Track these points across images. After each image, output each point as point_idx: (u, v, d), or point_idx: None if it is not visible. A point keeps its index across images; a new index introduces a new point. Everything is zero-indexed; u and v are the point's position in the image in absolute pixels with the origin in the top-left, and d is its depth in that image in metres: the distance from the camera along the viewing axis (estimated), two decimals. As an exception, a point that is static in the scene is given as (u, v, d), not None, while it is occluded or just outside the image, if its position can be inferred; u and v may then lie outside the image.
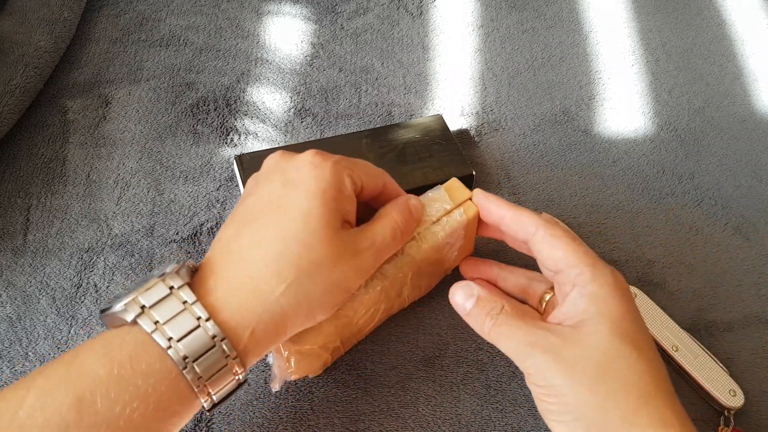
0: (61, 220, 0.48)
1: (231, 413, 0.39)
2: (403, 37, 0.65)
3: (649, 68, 0.64)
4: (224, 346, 0.28)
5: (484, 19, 0.68)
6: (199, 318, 0.28)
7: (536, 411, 0.40)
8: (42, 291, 0.44)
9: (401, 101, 0.59)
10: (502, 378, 0.42)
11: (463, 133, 0.56)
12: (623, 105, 0.60)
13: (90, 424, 0.25)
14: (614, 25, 0.68)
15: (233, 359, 0.29)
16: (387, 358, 0.42)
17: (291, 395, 0.40)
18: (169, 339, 0.27)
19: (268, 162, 0.35)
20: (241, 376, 0.30)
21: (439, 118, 0.54)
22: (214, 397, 0.29)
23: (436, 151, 0.51)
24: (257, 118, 0.56)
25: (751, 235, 0.51)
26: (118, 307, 0.28)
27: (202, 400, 0.29)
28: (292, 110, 0.57)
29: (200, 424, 0.38)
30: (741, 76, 0.64)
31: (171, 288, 0.29)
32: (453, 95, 0.60)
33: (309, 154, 0.33)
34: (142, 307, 0.28)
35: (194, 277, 0.30)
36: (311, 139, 0.54)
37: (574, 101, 0.60)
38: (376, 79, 0.61)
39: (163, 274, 0.29)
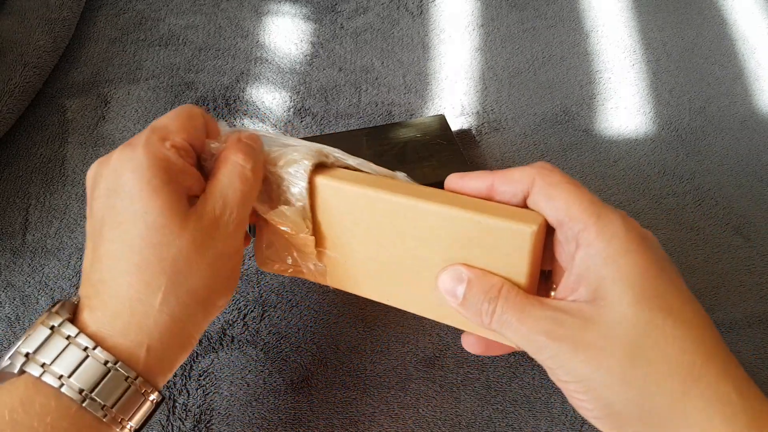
0: (60, 220, 0.48)
1: (230, 414, 0.39)
2: (404, 37, 0.65)
3: (649, 68, 0.64)
4: (120, 369, 0.27)
5: (484, 19, 0.67)
6: (86, 348, 0.27)
7: (536, 411, 0.40)
8: (41, 291, 0.44)
9: (401, 101, 0.59)
10: (503, 378, 0.41)
11: (463, 133, 0.56)
12: (624, 104, 0.60)
13: None
14: (615, 24, 0.68)
15: (135, 380, 0.27)
16: (387, 358, 0.42)
17: (290, 396, 0.40)
18: (60, 377, 0.26)
19: (88, 177, 0.31)
20: (154, 396, 0.28)
21: (441, 118, 0.53)
22: (131, 423, 0.28)
23: (436, 150, 0.51)
24: (257, 117, 0.56)
25: (752, 236, 0.51)
26: (3, 363, 0.27)
27: (117, 430, 0.28)
28: (292, 110, 0.57)
29: (200, 425, 0.38)
30: (742, 75, 0.64)
31: (52, 327, 0.27)
32: (453, 95, 0.59)
33: (117, 151, 0.29)
34: (26, 354, 0.27)
35: (75, 312, 0.29)
36: (310, 137, 0.54)
37: (574, 101, 0.60)
38: (376, 78, 0.60)
39: (42, 317, 0.28)
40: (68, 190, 0.49)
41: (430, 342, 0.43)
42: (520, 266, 0.29)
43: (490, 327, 0.28)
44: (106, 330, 0.27)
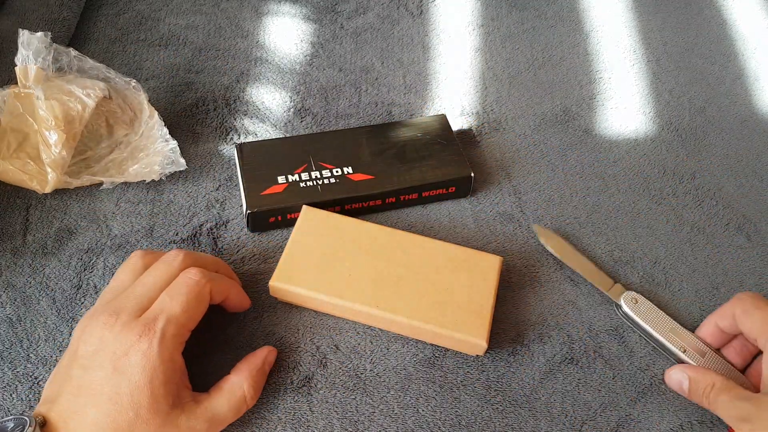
0: (61, 220, 0.48)
1: (230, 414, 0.39)
2: (403, 37, 0.65)
3: (650, 68, 0.64)
4: None
5: (484, 19, 0.67)
6: None
7: (536, 411, 0.40)
8: (42, 292, 0.44)
9: (401, 101, 0.58)
10: (503, 378, 0.41)
11: (463, 133, 0.56)
12: (624, 105, 0.60)
13: None
14: (615, 24, 0.68)
15: None
16: (387, 359, 0.42)
17: (290, 396, 0.40)
18: None
19: (95, 330, 0.34)
20: None
21: (442, 118, 0.53)
22: None
23: (436, 150, 0.51)
24: (257, 117, 0.56)
25: (752, 235, 0.51)
26: None
27: None
28: (292, 110, 0.57)
29: (200, 425, 0.38)
30: (742, 75, 0.64)
31: None
32: (453, 95, 0.59)
33: (134, 332, 0.34)
34: None
35: None
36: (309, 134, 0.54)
37: (574, 101, 0.60)
38: (376, 78, 0.60)
39: None
40: (68, 191, 0.49)
41: (430, 342, 0.43)
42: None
43: (710, 408, 0.38)
44: None
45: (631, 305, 0.44)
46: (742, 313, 0.39)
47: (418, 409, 0.40)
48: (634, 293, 0.45)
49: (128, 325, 0.34)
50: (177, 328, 0.35)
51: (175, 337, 0.34)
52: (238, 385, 0.37)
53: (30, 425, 0.31)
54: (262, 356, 0.39)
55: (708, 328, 0.42)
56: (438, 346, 0.43)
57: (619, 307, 0.45)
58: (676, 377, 0.40)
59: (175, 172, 0.49)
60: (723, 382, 0.37)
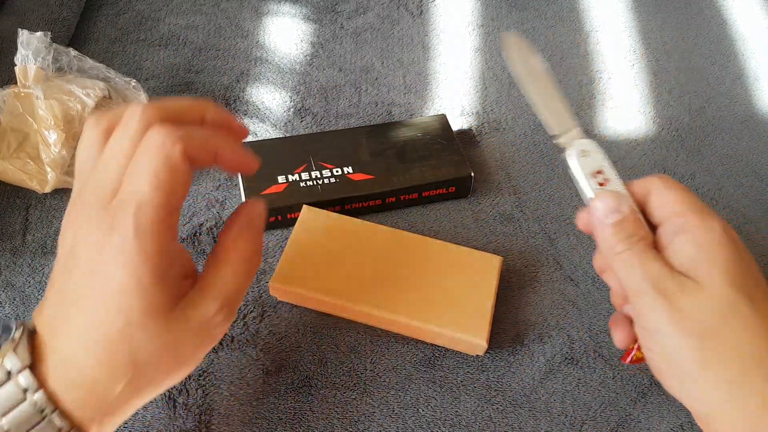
0: (60, 220, 0.47)
1: (230, 414, 0.39)
2: (403, 37, 0.65)
3: (649, 68, 0.64)
4: (56, 418, 0.26)
5: (484, 19, 0.67)
6: (36, 405, 0.26)
7: (536, 412, 0.40)
8: (41, 291, 0.44)
9: (401, 101, 0.58)
10: (503, 378, 0.41)
11: (463, 133, 0.56)
12: (624, 105, 0.60)
13: None
14: (615, 24, 0.68)
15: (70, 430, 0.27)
16: (387, 358, 0.42)
17: (290, 396, 0.40)
18: None
19: (63, 231, 0.29)
20: None
21: (442, 118, 0.53)
22: None
23: (436, 150, 0.51)
24: (257, 117, 0.56)
25: (752, 235, 0.51)
26: None
27: None
28: (292, 110, 0.57)
29: (200, 425, 0.38)
30: (742, 75, 0.64)
31: (8, 373, 0.26)
32: (453, 95, 0.59)
33: (103, 227, 0.26)
34: None
35: (33, 349, 0.27)
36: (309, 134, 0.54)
37: (574, 101, 0.60)
38: (376, 78, 0.60)
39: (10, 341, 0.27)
40: (68, 190, 0.49)
41: (431, 342, 0.43)
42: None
43: (613, 259, 0.31)
44: (60, 395, 0.27)
45: (576, 157, 0.34)
46: (651, 192, 0.32)
47: (418, 409, 0.40)
48: (589, 142, 0.34)
49: (96, 219, 0.27)
50: (153, 211, 0.26)
51: (154, 223, 0.26)
52: (233, 247, 0.30)
53: (17, 329, 0.27)
54: (245, 212, 0.31)
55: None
56: (438, 346, 0.43)
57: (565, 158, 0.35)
58: (610, 202, 0.32)
59: (175, 171, 0.49)
60: (653, 245, 0.31)
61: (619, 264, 0.31)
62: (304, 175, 0.48)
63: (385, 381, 0.41)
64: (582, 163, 0.34)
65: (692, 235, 0.29)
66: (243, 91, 0.58)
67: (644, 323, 0.30)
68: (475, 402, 0.40)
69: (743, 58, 0.65)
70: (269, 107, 0.57)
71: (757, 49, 0.66)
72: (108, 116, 0.29)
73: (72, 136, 0.46)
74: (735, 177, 0.55)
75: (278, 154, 0.49)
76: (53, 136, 0.45)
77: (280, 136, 0.55)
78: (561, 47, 0.65)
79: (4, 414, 0.26)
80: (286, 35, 0.64)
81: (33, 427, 0.26)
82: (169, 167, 0.27)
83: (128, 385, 0.27)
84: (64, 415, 0.27)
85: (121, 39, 0.61)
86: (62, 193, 0.49)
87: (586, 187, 0.33)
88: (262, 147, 0.50)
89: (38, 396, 0.26)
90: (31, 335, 0.28)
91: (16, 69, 0.46)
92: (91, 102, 0.46)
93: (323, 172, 0.48)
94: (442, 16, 0.67)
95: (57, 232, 0.47)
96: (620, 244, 0.30)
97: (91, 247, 0.27)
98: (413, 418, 0.39)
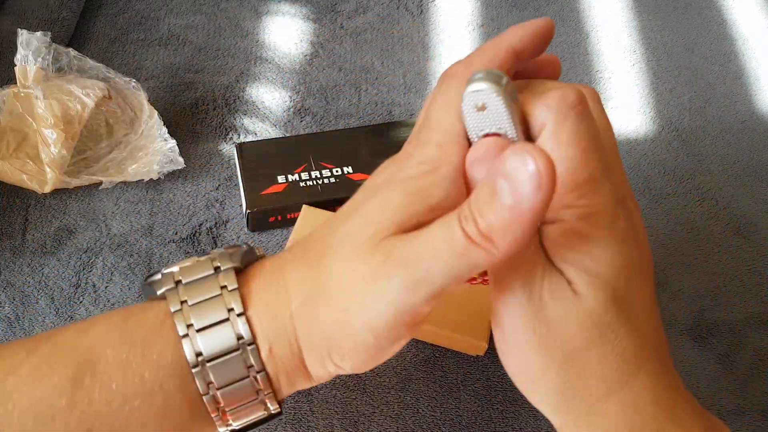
0: (60, 220, 0.47)
1: (230, 414, 0.39)
2: (403, 36, 0.65)
3: (650, 67, 0.64)
4: (250, 353, 0.24)
5: (484, 18, 0.67)
6: (231, 310, 0.24)
7: (536, 411, 0.40)
8: (41, 291, 0.44)
9: (401, 101, 0.58)
10: (503, 378, 0.41)
11: (463, 133, 0.56)
12: (624, 104, 0.60)
13: (80, 417, 0.22)
14: (615, 24, 0.68)
15: (257, 374, 0.24)
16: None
17: (290, 396, 0.40)
18: (189, 326, 0.23)
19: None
20: (271, 404, 0.25)
21: (440, 118, 0.53)
22: (231, 421, 0.25)
23: (436, 150, 0.51)
24: (256, 117, 0.56)
25: (752, 236, 0.51)
26: (157, 276, 0.25)
27: (214, 417, 0.24)
28: (292, 109, 0.57)
29: (199, 425, 0.38)
30: (742, 75, 0.64)
31: (216, 269, 0.24)
32: (453, 95, 0.59)
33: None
34: (177, 282, 0.24)
35: (250, 266, 0.25)
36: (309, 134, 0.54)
37: (574, 101, 0.60)
38: (376, 78, 0.60)
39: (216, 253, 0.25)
40: (68, 189, 0.49)
41: (431, 342, 0.43)
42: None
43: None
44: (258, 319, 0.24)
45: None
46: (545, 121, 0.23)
47: (418, 409, 0.40)
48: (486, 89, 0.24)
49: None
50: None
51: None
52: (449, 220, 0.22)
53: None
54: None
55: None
56: (438, 346, 0.42)
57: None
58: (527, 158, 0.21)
59: (175, 171, 0.49)
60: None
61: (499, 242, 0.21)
62: (304, 175, 0.48)
63: (385, 381, 0.41)
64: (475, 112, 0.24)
65: (575, 220, 0.23)
66: (243, 91, 0.58)
67: (500, 320, 0.25)
68: (475, 402, 0.40)
69: (743, 58, 0.65)
70: (269, 107, 0.57)
71: (757, 49, 0.66)
72: None
73: (72, 136, 0.46)
74: (735, 177, 0.55)
75: (278, 154, 0.49)
76: (53, 136, 0.45)
77: (280, 136, 0.55)
78: (561, 47, 0.65)
79: (201, 330, 0.23)
80: (286, 35, 0.64)
81: (224, 356, 0.24)
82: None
83: (302, 306, 0.24)
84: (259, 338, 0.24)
85: (120, 39, 0.61)
86: (61, 193, 0.49)
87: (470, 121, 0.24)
88: (261, 146, 0.50)
89: (241, 322, 0.24)
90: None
91: (16, 69, 0.46)
92: (90, 102, 0.46)
93: (323, 172, 0.48)
94: (442, 16, 0.67)
95: (57, 232, 0.47)
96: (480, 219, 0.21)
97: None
98: (413, 418, 0.39)
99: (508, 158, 0.19)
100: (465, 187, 0.24)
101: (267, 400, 0.25)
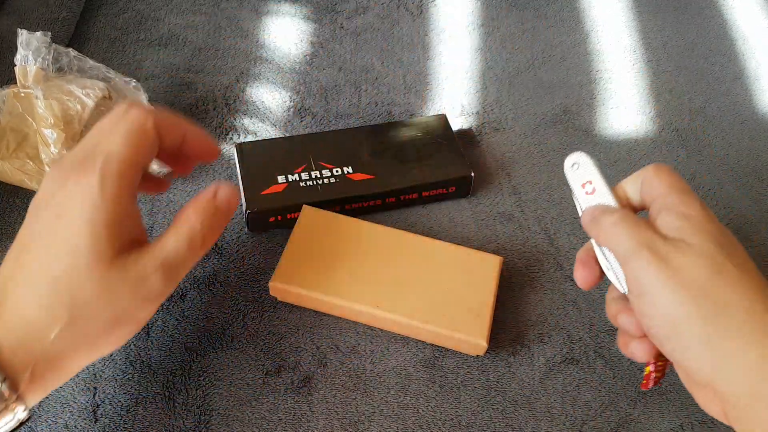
0: (60, 220, 0.47)
1: (230, 414, 0.39)
2: (403, 36, 0.65)
3: (650, 68, 0.64)
4: (4, 388, 0.27)
5: (484, 18, 0.67)
6: None
7: (537, 412, 0.40)
8: (40, 291, 0.44)
9: (401, 101, 0.58)
10: (503, 379, 0.41)
11: (463, 133, 0.56)
12: (624, 104, 0.60)
13: None
14: (615, 24, 0.68)
15: (14, 401, 0.28)
16: (387, 359, 0.42)
17: (290, 396, 0.40)
18: None
19: (43, 185, 0.31)
20: (22, 414, 0.29)
21: (442, 118, 0.53)
22: None
23: (436, 150, 0.51)
24: (257, 117, 0.56)
25: (752, 236, 0.51)
26: None
27: None
28: (292, 109, 0.57)
29: (199, 425, 0.38)
30: (742, 75, 0.64)
31: None
32: (453, 95, 0.59)
33: (74, 175, 0.30)
34: None
35: None
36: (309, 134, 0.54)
37: (574, 101, 0.60)
38: (376, 78, 0.60)
39: None
40: (68, 190, 0.49)
41: (431, 342, 0.43)
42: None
43: (606, 230, 0.32)
44: (1, 341, 0.28)
45: (569, 168, 0.36)
46: (643, 181, 0.33)
47: (418, 409, 0.40)
48: (579, 154, 0.36)
49: (70, 170, 0.30)
50: (119, 165, 0.30)
51: (119, 175, 0.30)
52: (183, 217, 0.33)
53: None
54: (210, 189, 0.34)
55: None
56: (438, 346, 0.43)
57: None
58: (590, 210, 0.34)
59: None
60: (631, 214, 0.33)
61: (613, 233, 0.32)
62: (304, 175, 0.48)
63: (385, 381, 0.41)
64: (573, 174, 0.36)
65: (675, 211, 0.31)
66: (243, 91, 0.58)
67: (639, 289, 0.30)
68: (475, 402, 0.40)
69: (743, 58, 0.65)
70: (269, 107, 0.57)
71: (757, 49, 0.66)
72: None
73: (71, 137, 0.46)
74: (735, 177, 0.55)
75: (278, 154, 0.49)
76: (53, 136, 0.45)
77: (280, 136, 0.55)
78: (562, 47, 0.65)
79: None
80: (286, 35, 0.64)
81: None
82: (139, 131, 0.31)
83: (63, 332, 0.28)
84: (3, 363, 0.27)
85: (120, 39, 0.61)
86: (62, 193, 0.49)
87: (579, 195, 0.36)
88: (261, 147, 0.50)
89: None
90: None
91: (16, 69, 0.46)
92: (90, 102, 0.46)
93: (323, 172, 0.48)
94: (442, 16, 0.67)
95: (57, 232, 0.47)
96: (612, 216, 0.32)
97: (60, 194, 0.30)
98: (413, 418, 0.39)
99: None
100: None
101: (23, 413, 0.29)
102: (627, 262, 0.31)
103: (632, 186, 0.34)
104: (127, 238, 0.30)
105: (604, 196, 0.35)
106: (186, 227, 0.32)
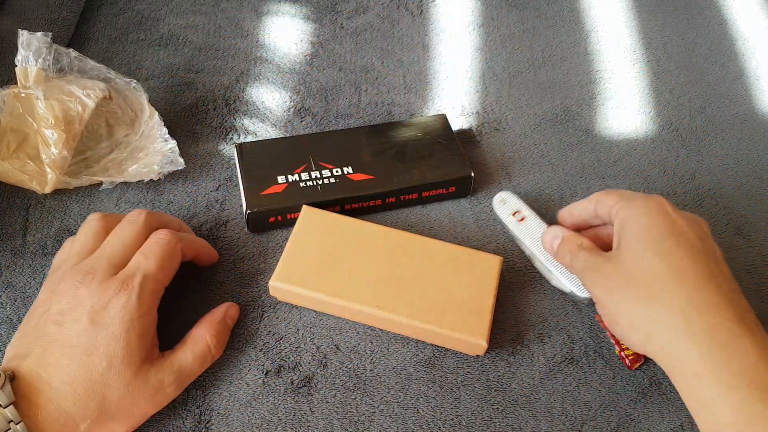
0: (60, 220, 0.48)
1: (230, 414, 0.39)
2: (403, 36, 0.65)
3: (650, 68, 0.64)
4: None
5: (484, 18, 0.67)
6: None
7: (536, 412, 0.40)
8: (41, 291, 0.44)
9: (401, 101, 0.58)
10: (503, 378, 0.41)
11: (463, 133, 0.56)
12: (624, 104, 0.60)
13: None
14: (615, 24, 0.68)
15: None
16: (387, 359, 0.42)
17: (290, 396, 0.40)
18: None
19: (68, 292, 0.35)
20: None
21: (442, 118, 0.53)
22: None
23: (436, 150, 0.51)
24: (257, 117, 0.56)
25: (752, 236, 0.51)
26: None
27: None
28: (292, 110, 0.57)
29: (199, 425, 0.38)
30: (742, 75, 0.64)
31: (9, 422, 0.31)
32: (453, 94, 0.59)
33: (112, 287, 0.35)
34: None
35: (17, 390, 0.32)
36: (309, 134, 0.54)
37: (575, 101, 0.60)
38: (376, 78, 0.60)
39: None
40: (68, 190, 0.49)
41: (431, 342, 0.43)
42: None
43: (570, 267, 0.41)
44: (40, 427, 0.32)
45: (498, 205, 0.49)
46: (596, 203, 0.42)
47: (418, 409, 0.40)
48: (505, 193, 0.49)
49: (105, 281, 0.36)
50: (154, 284, 0.37)
51: (152, 292, 0.37)
52: (200, 336, 0.39)
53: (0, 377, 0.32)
54: (222, 310, 0.41)
55: (564, 218, 0.45)
56: (438, 346, 0.43)
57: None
58: (551, 234, 0.43)
59: (175, 172, 0.49)
60: (589, 243, 0.41)
61: (574, 268, 0.41)
62: (304, 176, 0.48)
63: (385, 381, 0.41)
64: (501, 209, 0.48)
65: (618, 216, 0.39)
66: (243, 91, 0.58)
67: (594, 299, 0.39)
68: (475, 402, 0.40)
69: (743, 58, 0.65)
70: (269, 107, 0.57)
71: (757, 49, 0.66)
72: (111, 216, 0.40)
73: (72, 137, 0.46)
74: (736, 177, 0.55)
75: (278, 154, 0.49)
76: (53, 137, 0.45)
77: (280, 136, 0.55)
78: (562, 46, 0.65)
79: None
80: (286, 35, 0.64)
81: None
82: (171, 255, 0.38)
83: (92, 423, 0.33)
84: None
85: (120, 39, 0.61)
86: (62, 194, 0.49)
87: (509, 224, 0.48)
88: (261, 147, 0.50)
89: (20, 426, 0.31)
90: (12, 380, 0.33)
91: (17, 69, 0.46)
92: (91, 102, 0.46)
93: (323, 172, 0.48)
94: (442, 16, 0.67)
95: (57, 233, 0.47)
96: (566, 256, 0.41)
97: (97, 303, 0.35)
98: (413, 418, 0.39)
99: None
100: None
101: None
102: (584, 284, 0.40)
103: (581, 207, 0.43)
104: (150, 345, 0.36)
105: (534, 221, 0.47)
106: (201, 346, 0.39)
